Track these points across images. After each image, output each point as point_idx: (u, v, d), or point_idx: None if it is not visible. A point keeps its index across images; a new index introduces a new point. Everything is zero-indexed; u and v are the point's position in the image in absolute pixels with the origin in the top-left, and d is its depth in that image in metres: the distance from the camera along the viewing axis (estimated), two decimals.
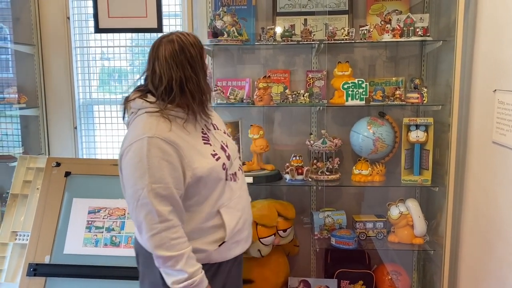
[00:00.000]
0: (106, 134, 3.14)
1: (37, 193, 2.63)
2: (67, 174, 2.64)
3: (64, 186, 2.61)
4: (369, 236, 2.63)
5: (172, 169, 1.44)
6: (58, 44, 2.96)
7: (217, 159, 1.56)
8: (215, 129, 1.69)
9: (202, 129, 1.61)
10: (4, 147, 2.98)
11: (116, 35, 3.02)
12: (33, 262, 2.46)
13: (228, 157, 1.63)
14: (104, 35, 3.01)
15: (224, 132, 1.77)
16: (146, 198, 1.41)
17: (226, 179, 1.61)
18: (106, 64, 3.14)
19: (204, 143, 1.57)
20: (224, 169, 1.59)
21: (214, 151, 1.58)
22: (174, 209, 1.46)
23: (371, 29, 2.47)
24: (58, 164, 2.66)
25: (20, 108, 2.93)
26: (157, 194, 1.41)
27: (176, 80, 1.48)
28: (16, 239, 2.62)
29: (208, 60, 2.77)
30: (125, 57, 3.11)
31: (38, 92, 2.99)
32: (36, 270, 2.43)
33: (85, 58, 3.09)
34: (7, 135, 2.97)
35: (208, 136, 1.61)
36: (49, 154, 3.03)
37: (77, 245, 2.48)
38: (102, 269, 2.41)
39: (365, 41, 2.47)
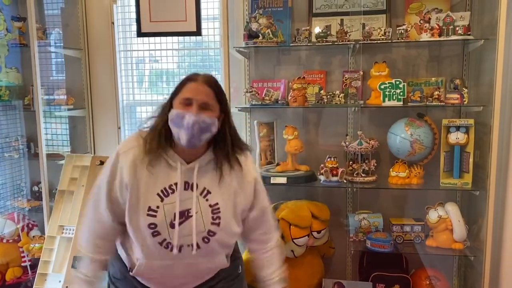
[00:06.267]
0: None
1: (82, 190, 2.78)
2: None
3: None
4: (407, 240, 2.58)
5: None
6: (103, 48, 3.10)
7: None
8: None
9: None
10: (54, 146, 3.17)
11: (163, 38, 3.12)
12: (78, 255, 2.59)
13: (171, 225, 1.47)
14: (151, 39, 3.13)
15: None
16: None
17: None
18: (153, 67, 3.25)
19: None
20: (150, 228, 1.47)
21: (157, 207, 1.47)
22: None
23: (409, 29, 2.42)
24: (101, 163, 2.80)
25: (68, 109, 3.10)
26: None
27: None
28: (63, 232, 2.78)
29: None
30: (172, 60, 3.21)
31: (85, 94, 3.15)
32: None
33: (128, 61, 3.22)
34: (56, 134, 3.15)
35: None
36: (94, 153, 3.18)
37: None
38: None
39: (403, 41, 2.43)
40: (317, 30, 2.58)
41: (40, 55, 2.84)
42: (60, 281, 2.62)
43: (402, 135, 2.49)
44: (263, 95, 2.68)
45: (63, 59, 3.19)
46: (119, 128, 3.18)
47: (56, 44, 3.13)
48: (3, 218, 3.04)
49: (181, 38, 3.16)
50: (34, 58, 2.72)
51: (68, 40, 3.11)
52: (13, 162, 3.22)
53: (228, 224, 1.52)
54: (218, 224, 1.50)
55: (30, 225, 3.06)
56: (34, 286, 2.68)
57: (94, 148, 3.20)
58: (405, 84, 2.45)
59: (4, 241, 2.97)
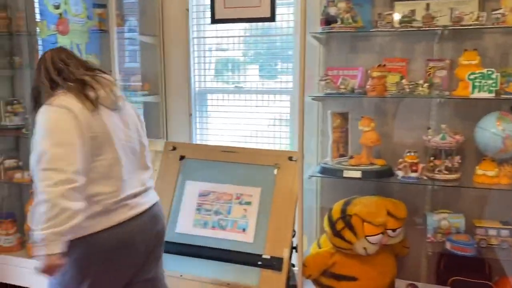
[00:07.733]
0: (218, 122, 3.26)
1: (156, 174, 2.83)
2: (182, 158, 2.80)
3: (178, 169, 2.78)
4: (491, 244, 2.37)
5: None
6: (177, 34, 3.12)
7: None
8: None
9: None
10: None
11: (231, 25, 3.08)
12: None
13: None
14: (219, 26, 3.10)
15: None
16: None
17: None
18: (220, 54, 3.24)
19: None
20: None
21: None
22: None
23: (506, 13, 2.19)
24: (174, 148, 2.84)
25: (143, 95, 3.17)
26: None
27: None
28: None
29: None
30: (238, 47, 3.18)
31: (159, 80, 3.19)
32: None
33: (201, 48, 3.22)
34: None
35: None
36: (167, 138, 3.23)
37: (188, 225, 2.63)
38: (209, 250, 2.52)
39: (498, 26, 2.20)
40: (396, 16, 2.40)
41: (118, 41, 2.91)
42: None
43: (493, 130, 2.27)
44: (338, 84, 2.56)
45: (138, 46, 3.25)
46: (190, 115, 3.21)
47: (133, 31, 3.20)
48: None
49: (247, 25, 3.10)
50: (113, 44, 2.78)
51: (144, 26, 3.16)
52: None
53: None
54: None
55: None
56: None
57: (167, 134, 3.25)
58: (498, 74, 2.23)
59: None
